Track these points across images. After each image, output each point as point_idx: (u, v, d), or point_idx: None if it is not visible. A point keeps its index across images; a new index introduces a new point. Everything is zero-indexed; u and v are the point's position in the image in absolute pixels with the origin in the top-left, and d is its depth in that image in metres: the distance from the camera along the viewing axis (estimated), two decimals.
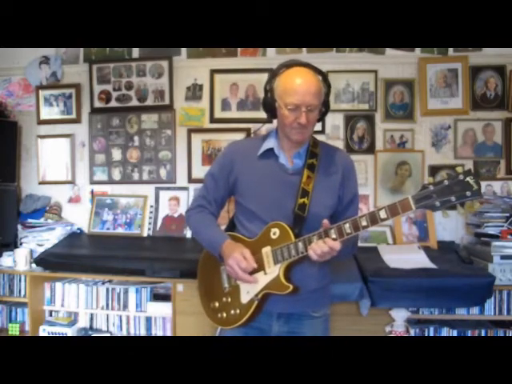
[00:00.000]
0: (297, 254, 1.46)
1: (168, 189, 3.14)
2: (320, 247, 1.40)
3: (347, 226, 1.40)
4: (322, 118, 1.60)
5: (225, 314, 1.60)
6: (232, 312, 1.58)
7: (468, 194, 1.27)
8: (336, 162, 1.61)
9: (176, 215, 3.09)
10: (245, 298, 1.56)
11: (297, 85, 1.47)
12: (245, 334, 1.57)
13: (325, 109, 1.57)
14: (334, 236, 1.41)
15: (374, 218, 1.37)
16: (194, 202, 1.72)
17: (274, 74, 1.55)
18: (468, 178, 1.27)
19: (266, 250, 1.51)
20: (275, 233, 1.51)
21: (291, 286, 1.47)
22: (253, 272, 1.51)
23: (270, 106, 1.56)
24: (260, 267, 1.51)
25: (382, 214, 1.36)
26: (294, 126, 1.50)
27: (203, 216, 1.66)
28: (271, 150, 1.59)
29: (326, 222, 1.43)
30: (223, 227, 1.74)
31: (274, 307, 1.55)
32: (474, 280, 2.25)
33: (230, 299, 1.60)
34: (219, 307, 1.63)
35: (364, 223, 1.38)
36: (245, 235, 1.60)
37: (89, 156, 3.22)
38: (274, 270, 1.50)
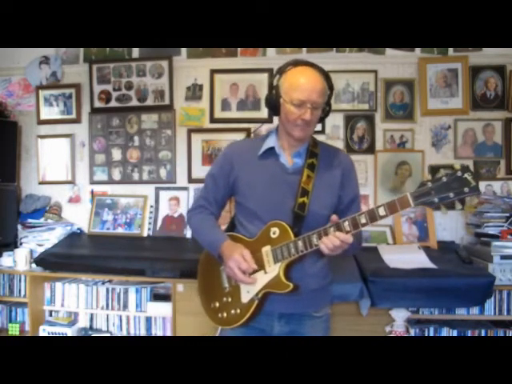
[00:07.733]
0: (296, 253, 1.47)
1: (168, 189, 3.14)
2: (331, 241, 1.40)
3: (346, 223, 1.41)
4: (323, 119, 1.61)
5: (225, 314, 1.60)
6: (232, 312, 1.58)
7: (466, 190, 1.29)
8: (336, 162, 1.61)
9: (176, 215, 3.09)
10: (245, 297, 1.56)
11: (304, 82, 1.49)
12: (246, 334, 1.57)
13: (328, 109, 1.58)
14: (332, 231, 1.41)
15: (372, 216, 1.38)
16: (194, 203, 1.73)
17: (280, 71, 1.56)
18: (466, 175, 1.29)
19: (266, 249, 1.52)
20: (275, 232, 1.52)
21: (291, 285, 1.48)
22: (253, 272, 1.51)
23: (274, 102, 1.56)
24: (260, 266, 1.52)
25: (381, 212, 1.38)
26: (298, 123, 1.51)
27: (203, 217, 1.67)
28: (271, 149, 1.60)
29: (334, 217, 1.43)
30: (224, 227, 1.74)
31: (275, 308, 1.55)
32: (474, 280, 2.25)
33: (230, 299, 1.60)
34: (219, 307, 1.63)
35: (363, 221, 1.39)
36: (244, 235, 1.60)
37: (89, 156, 3.22)
38: (273, 269, 1.51)
